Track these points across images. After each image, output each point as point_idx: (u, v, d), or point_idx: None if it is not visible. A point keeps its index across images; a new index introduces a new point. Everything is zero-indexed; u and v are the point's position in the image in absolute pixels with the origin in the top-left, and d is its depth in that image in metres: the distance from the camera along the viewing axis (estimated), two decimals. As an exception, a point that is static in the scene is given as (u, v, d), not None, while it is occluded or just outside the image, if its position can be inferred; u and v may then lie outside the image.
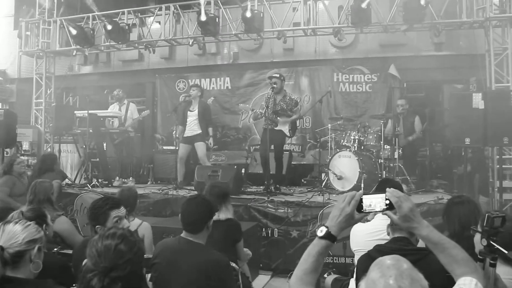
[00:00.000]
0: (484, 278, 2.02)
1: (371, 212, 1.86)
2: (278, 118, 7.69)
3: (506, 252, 1.97)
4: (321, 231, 1.81)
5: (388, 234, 3.00)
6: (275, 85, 7.66)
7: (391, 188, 1.85)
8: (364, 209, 1.82)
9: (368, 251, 2.90)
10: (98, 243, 1.92)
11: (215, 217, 4.05)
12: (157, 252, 3.22)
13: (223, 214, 4.18)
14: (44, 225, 3.23)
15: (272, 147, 7.83)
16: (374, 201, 1.82)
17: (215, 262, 3.07)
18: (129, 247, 1.93)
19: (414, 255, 2.55)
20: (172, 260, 3.09)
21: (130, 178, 9.20)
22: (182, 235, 3.21)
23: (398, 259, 1.49)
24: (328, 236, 1.80)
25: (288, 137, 8.00)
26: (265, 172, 7.82)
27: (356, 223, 1.86)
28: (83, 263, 1.95)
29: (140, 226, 4.32)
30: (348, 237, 3.84)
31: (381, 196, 1.82)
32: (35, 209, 3.56)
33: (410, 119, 8.31)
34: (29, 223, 2.57)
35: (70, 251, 3.74)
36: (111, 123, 9.31)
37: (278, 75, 7.88)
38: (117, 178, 8.98)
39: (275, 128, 7.68)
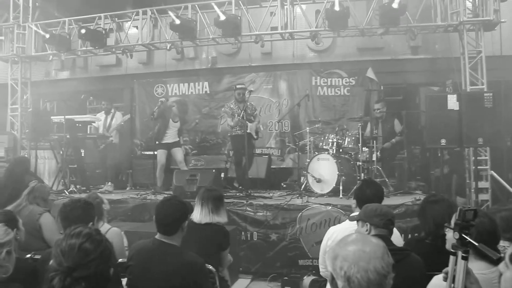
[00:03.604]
0: (456, 272, 2.03)
1: None
2: (247, 122, 8.09)
3: (476, 244, 1.98)
4: None
5: (367, 231, 2.99)
6: (243, 95, 8.37)
7: None
8: None
9: None
10: (63, 242, 1.87)
11: (207, 220, 4.03)
12: (131, 255, 3.17)
13: (218, 218, 4.12)
14: (15, 229, 3.15)
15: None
16: None
17: (190, 264, 3.03)
18: (94, 246, 1.88)
19: (395, 255, 2.53)
20: (146, 262, 3.05)
21: (109, 183, 9.09)
22: (156, 236, 3.16)
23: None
24: None
25: (254, 139, 8.64)
26: (237, 173, 8.75)
27: None
28: (50, 263, 1.90)
29: (108, 232, 3.91)
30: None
31: None
32: (6, 212, 3.48)
33: (389, 122, 8.37)
34: (-3, 225, 2.52)
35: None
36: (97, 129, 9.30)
37: (243, 86, 8.72)
38: (108, 183, 9.06)
39: (248, 132, 8.05)
